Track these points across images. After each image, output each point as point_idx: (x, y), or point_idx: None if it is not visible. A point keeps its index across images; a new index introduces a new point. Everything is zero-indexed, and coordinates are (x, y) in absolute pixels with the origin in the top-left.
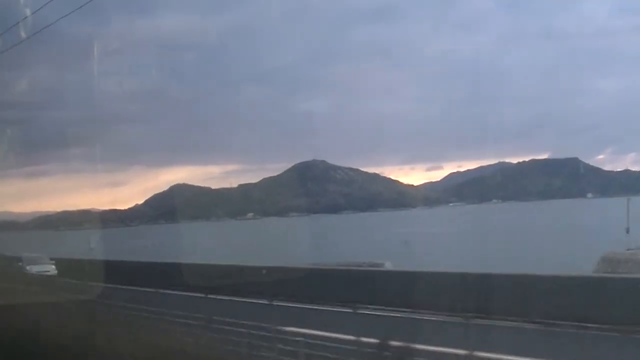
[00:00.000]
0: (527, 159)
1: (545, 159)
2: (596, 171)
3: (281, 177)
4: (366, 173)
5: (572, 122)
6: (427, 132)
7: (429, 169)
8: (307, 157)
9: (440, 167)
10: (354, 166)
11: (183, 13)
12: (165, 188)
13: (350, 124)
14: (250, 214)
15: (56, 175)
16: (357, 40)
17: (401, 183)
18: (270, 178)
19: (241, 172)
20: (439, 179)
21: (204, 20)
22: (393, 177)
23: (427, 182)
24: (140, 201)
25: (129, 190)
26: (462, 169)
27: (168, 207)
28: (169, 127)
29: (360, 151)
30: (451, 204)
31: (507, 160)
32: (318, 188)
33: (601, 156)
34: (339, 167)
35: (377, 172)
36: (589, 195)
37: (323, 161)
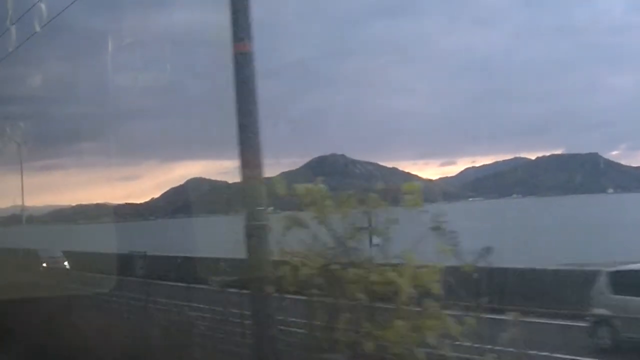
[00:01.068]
0: (546, 154)
1: (565, 154)
2: (616, 167)
3: (300, 171)
4: (385, 167)
5: (586, 118)
6: (440, 127)
7: (442, 164)
8: (325, 151)
9: (454, 163)
10: (372, 160)
11: (198, 8)
12: (181, 182)
13: (365, 118)
14: (270, 209)
15: (69, 169)
16: (371, 35)
17: (420, 178)
18: (289, 172)
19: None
20: (454, 174)
21: (219, 15)
22: (412, 172)
23: (443, 177)
24: (157, 195)
25: (143, 185)
26: (477, 164)
27: (185, 201)
28: (183, 121)
29: (375, 146)
30: (470, 199)
31: (523, 155)
32: (337, 182)
33: (615, 152)
34: (358, 162)
35: (395, 166)
36: (610, 190)
37: (342, 155)
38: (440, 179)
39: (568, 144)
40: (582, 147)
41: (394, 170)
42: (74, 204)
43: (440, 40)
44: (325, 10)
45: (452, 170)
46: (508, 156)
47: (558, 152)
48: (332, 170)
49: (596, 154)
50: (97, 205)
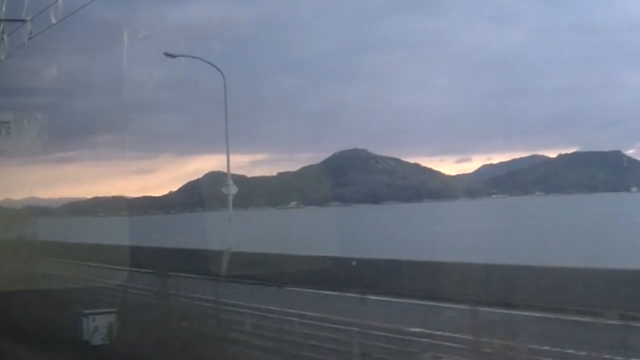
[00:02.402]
0: (568, 151)
1: (587, 152)
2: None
3: (322, 165)
4: (407, 163)
5: (602, 116)
6: (456, 124)
7: (458, 161)
8: (347, 145)
9: (469, 159)
10: (394, 156)
11: (213, 2)
12: (198, 176)
13: (381, 115)
14: (293, 203)
15: (85, 161)
16: (388, 31)
17: (442, 174)
18: (310, 166)
19: (273, 162)
20: (471, 171)
21: (234, 9)
22: (434, 168)
23: (461, 174)
24: (174, 188)
25: (159, 178)
26: (494, 162)
27: (204, 194)
28: (198, 115)
29: (392, 142)
30: (493, 196)
31: (540, 153)
32: (359, 177)
33: (631, 150)
34: (380, 157)
35: (417, 162)
36: (634, 189)
37: (364, 150)
38: (458, 175)
39: (583, 142)
40: (596, 144)
41: (416, 166)
42: (89, 197)
43: (458, 37)
44: (341, 6)
45: (468, 167)
46: (524, 153)
47: (573, 149)
48: (354, 165)
49: (619, 151)
50: (115, 198)
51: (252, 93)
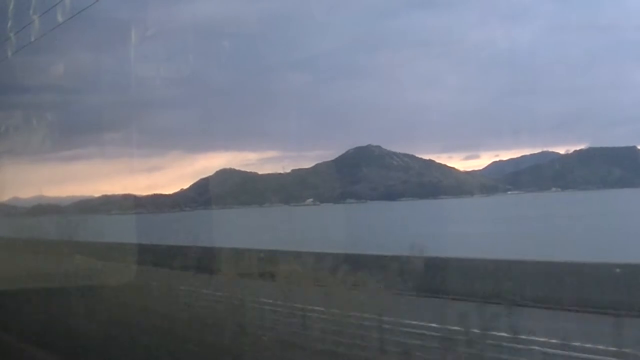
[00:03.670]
0: (582, 147)
1: (601, 148)
2: None
3: (337, 162)
4: (422, 159)
5: (613, 114)
6: (464, 121)
7: (466, 158)
8: (361, 142)
9: (477, 156)
10: (408, 152)
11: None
12: (208, 173)
13: (394, 111)
14: (309, 200)
15: (93, 159)
16: (399, 28)
17: (457, 170)
18: (324, 163)
19: (283, 159)
20: (481, 168)
21: (243, 6)
22: (448, 164)
23: (472, 170)
24: (185, 186)
25: (167, 176)
26: (504, 158)
27: (216, 192)
28: (207, 113)
29: (404, 138)
30: (509, 192)
31: (550, 149)
32: (374, 174)
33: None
34: (395, 153)
35: (431, 158)
36: None
37: (378, 146)
38: (469, 172)
39: (593, 139)
40: (608, 141)
41: (430, 162)
42: (97, 195)
43: (469, 34)
44: (351, 2)
45: (477, 163)
46: (533, 150)
47: (583, 146)
48: (368, 161)
49: (634, 147)
50: (124, 196)
51: (264, 90)
